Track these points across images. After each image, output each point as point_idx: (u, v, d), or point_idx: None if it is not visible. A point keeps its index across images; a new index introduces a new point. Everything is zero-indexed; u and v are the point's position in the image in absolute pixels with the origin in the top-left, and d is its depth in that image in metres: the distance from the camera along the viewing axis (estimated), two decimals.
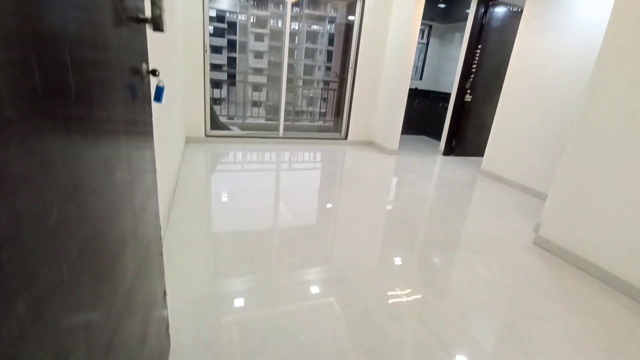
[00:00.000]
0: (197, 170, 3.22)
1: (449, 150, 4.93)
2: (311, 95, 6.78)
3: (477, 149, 4.80)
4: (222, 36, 32.84)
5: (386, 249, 2.15)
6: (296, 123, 5.84)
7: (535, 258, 2.19)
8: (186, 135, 4.07)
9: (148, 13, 0.82)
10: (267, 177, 3.36)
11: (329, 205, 2.77)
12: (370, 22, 4.47)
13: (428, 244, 2.27)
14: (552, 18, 3.26)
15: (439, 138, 5.19)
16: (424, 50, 6.52)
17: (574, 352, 1.40)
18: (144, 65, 0.85)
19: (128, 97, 0.73)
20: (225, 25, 32.58)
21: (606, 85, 1.98)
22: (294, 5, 4.29)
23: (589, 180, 2.08)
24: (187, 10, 3.65)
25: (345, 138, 4.95)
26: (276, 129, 4.63)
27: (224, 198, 2.68)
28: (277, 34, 31.63)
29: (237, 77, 9.03)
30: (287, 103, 4.62)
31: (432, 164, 4.46)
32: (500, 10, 4.35)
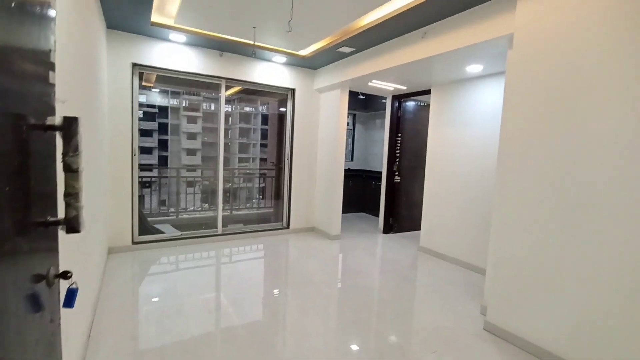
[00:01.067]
0: (121, 292, 2.79)
1: (387, 229, 5.14)
2: (249, 185, 6.76)
3: (413, 224, 5.09)
4: (154, 120, 32.52)
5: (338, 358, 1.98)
6: (235, 212, 5.66)
7: (488, 347, 2.20)
8: (109, 245, 3.62)
9: (61, 214, 0.72)
10: (206, 285, 3.03)
11: (271, 309, 2.55)
12: (302, 114, 4.81)
13: (381, 346, 2.15)
14: (454, 114, 3.86)
15: (376, 214, 5.43)
16: (351, 135, 7.15)
17: None
18: (52, 270, 0.71)
19: (28, 312, 0.58)
20: (156, 110, 32.54)
21: (509, 171, 2.29)
22: (227, 101, 4.46)
23: (518, 261, 2.25)
24: (114, 112, 3.53)
25: (287, 227, 4.89)
26: (214, 222, 4.40)
27: (154, 330, 2.31)
28: (209, 116, 32.37)
29: (169, 173, 8.73)
30: (225, 195, 4.50)
31: (374, 245, 4.55)
32: (411, 104, 5.05)
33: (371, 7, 2.70)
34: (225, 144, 4.45)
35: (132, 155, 3.69)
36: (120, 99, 3.55)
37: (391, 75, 3.77)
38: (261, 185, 6.52)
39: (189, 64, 3.88)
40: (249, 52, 3.86)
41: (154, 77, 4.74)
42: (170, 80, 4.60)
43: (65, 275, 0.73)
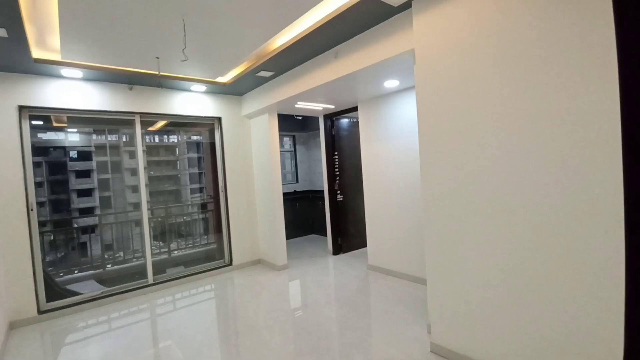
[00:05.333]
0: None
1: (337, 249, 4.98)
2: (187, 219, 6.29)
3: (362, 241, 4.99)
4: (90, 159, 30.10)
5: None
6: (173, 256, 5.17)
7: None
8: (9, 320, 3.03)
9: None
10: (138, 341, 2.59)
11: None
12: (232, 143, 4.57)
13: None
14: (381, 128, 3.87)
15: (325, 234, 5.27)
16: (293, 157, 7.02)
17: None
18: None
19: None
20: (92, 148, 30.20)
21: (428, 179, 2.25)
22: (147, 133, 4.08)
23: (450, 277, 2.18)
24: (1, 165, 3.03)
25: (230, 263, 4.53)
26: (144, 270, 3.92)
27: None
28: (156, 149, 30.78)
29: (99, 220, 7.88)
30: (158, 229, 4.06)
31: (324, 270, 4.35)
32: (344, 122, 5.05)
33: (278, 28, 2.59)
34: (174, 176, 4.05)
35: (29, 210, 3.18)
36: (4, 149, 3.06)
37: (315, 96, 3.70)
38: (203, 217, 6.10)
39: (91, 102, 3.49)
40: (156, 83, 3.58)
41: (64, 118, 4.25)
42: (80, 119, 4.16)
43: None
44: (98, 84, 3.53)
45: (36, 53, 2.80)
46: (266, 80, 3.88)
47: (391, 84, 3.31)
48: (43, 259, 3.41)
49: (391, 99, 3.74)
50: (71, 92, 3.38)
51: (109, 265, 4.88)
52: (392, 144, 3.76)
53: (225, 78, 3.86)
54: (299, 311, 3.19)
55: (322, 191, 5.51)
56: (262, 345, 2.57)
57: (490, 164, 1.90)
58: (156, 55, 2.93)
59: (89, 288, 3.93)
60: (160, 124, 5.04)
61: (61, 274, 4.72)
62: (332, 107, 4.41)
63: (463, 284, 2.10)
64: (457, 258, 2.12)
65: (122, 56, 2.94)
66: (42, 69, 3.08)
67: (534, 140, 1.71)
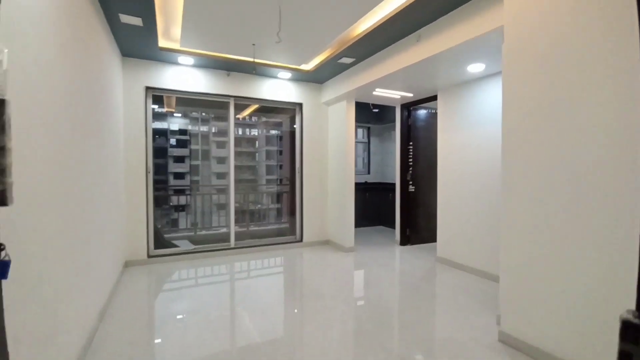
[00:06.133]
0: (132, 302, 2.86)
1: (404, 240, 4.95)
2: (263, 203, 6.84)
3: (431, 235, 4.88)
4: (185, 147, 34.23)
5: None
6: (251, 229, 5.72)
7: (502, 358, 2.01)
8: (125, 259, 3.76)
9: None
10: (218, 295, 3.04)
11: (282, 322, 2.49)
12: (310, 128, 4.87)
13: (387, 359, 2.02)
14: (462, 117, 3.74)
15: (393, 226, 5.27)
16: (367, 148, 7.11)
17: None
18: None
19: None
20: (187, 137, 34.29)
21: (511, 169, 2.15)
22: (243, 118, 4.61)
23: (528, 266, 2.08)
24: (129, 133, 3.76)
25: (301, 240, 4.86)
26: (228, 237, 4.46)
27: (164, 334, 2.33)
28: (238, 141, 33.56)
29: (192, 191, 9.08)
30: (239, 210, 4.57)
31: (390, 257, 4.39)
32: (422, 113, 4.97)
33: (361, 12, 2.74)
34: (252, 167, 4.59)
35: (147, 172, 3.89)
36: (134, 121, 3.79)
37: (394, 82, 3.75)
38: (277, 207, 6.61)
39: (198, 85, 4.10)
40: (249, 69, 4.02)
41: (173, 102, 5.04)
42: (186, 102, 4.86)
43: None
44: (203, 70, 4.12)
45: (161, 42, 3.41)
46: (347, 67, 4.05)
47: (475, 68, 3.19)
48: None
49: (473, 86, 3.59)
50: (183, 76, 4.02)
51: (199, 232, 5.63)
52: (472, 133, 3.61)
53: (309, 65, 4.14)
54: (363, 288, 3.31)
55: (393, 184, 5.51)
56: (326, 310, 2.77)
57: (587, 154, 1.74)
58: (252, 42, 3.32)
59: (184, 245, 4.62)
60: (248, 110, 5.61)
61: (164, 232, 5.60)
62: (410, 95, 4.39)
63: (540, 274, 1.99)
64: (536, 246, 2.01)
65: (224, 43, 3.40)
66: (164, 56, 3.72)
67: None
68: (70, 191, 1.78)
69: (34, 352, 1.26)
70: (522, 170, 2.08)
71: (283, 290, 3.31)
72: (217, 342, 2.23)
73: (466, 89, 3.68)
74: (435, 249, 4.22)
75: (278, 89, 4.59)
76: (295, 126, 4.99)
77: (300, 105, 4.80)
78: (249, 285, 3.38)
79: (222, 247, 4.40)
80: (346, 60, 3.78)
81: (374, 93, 4.24)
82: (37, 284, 1.31)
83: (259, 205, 6.87)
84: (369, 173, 7.07)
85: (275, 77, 4.53)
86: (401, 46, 3.22)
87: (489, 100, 3.43)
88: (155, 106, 5.59)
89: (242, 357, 2.07)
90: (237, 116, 5.17)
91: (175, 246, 4.26)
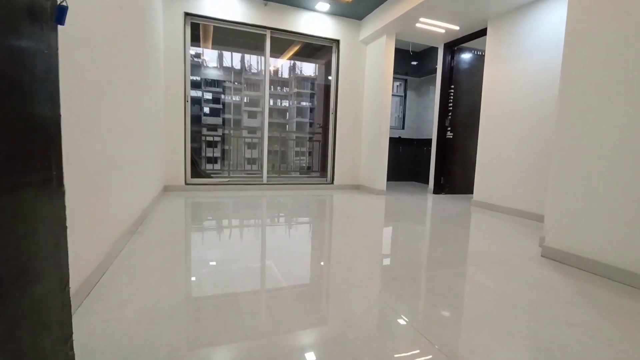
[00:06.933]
0: (171, 215, 2.99)
1: (438, 189, 4.80)
2: (297, 149, 6.84)
3: (467, 186, 4.70)
4: (218, 115, 34.92)
5: (387, 276, 1.86)
6: (282, 176, 5.76)
7: (547, 268, 1.91)
8: (165, 184, 3.92)
9: None
10: (247, 229, 3.12)
11: (321, 246, 2.51)
12: (347, 67, 4.72)
13: (432, 265, 1.98)
14: (513, 46, 3.45)
15: (427, 182, 5.12)
16: (402, 102, 6.84)
17: (616, 356, 1.08)
18: None
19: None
20: (220, 106, 34.89)
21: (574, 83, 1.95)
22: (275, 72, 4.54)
23: (580, 178, 1.91)
24: (168, 61, 3.81)
25: (332, 182, 4.84)
26: (261, 174, 4.53)
27: (193, 249, 2.42)
28: (270, 111, 33.63)
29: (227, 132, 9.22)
30: (271, 152, 4.60)
31: (423, 200, 4.28)
32: (466, 56, 4.65)
33: None
34: (283, 124, 4.57)
35: (185, 101, 3.95)
36: (173, 49, 3.82)
37: (440, 4, 3.48)
38: (308, 151, 6.58)
39: (235, 14, 4.04)
40: (292, 0, 3.89)
41: (210, 36, 4.99)
42: (221, 40, 4.83)
43: None
44: None
45: None
46: None
47: None
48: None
49: (530, 10, 3.27)
50: (222, 3, 3.96)
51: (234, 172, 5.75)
52: (523, 63, 3.33)
53: None
54: (395, 215, 3.26)
55: (428, 140, 5.30)
56: (353, 222, 2.75)
57: None
58: None
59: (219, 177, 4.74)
60: (285, 57, 5.50)
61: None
62: (457, 29, 4.09)
63: (584, 186, 1.82)
64: (583, 161, 1.84)
65: None
66: None
67: None
68: (129, 99, 1.82)
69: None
70: (582, 97, 1.88)
71: (315, 209, 3.33)
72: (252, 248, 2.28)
73: (521, 13, 3.36)
74: (471, 200, 4.04)
75: (315, 23, 4.44)
76: (330, 77, 4.84)
77: (337, 42, 4.64)
78: (283, 201, 3.42)
79: (255, 182, 4.48)
80: None
81: (417, 25, 3.99)
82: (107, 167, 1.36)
83: (295, 145, 6.82)
84: (403, 128, 6.84)
85: (313, 10, 4.37)
86: None
87: (543, 26, 3.11)
88: (192, 51, 5.62)
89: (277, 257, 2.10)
90: (271, 68, 5.09)
91: (210, 177, 4.38)
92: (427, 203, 4.09)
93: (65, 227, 0.97)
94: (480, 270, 1.81)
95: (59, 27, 0.87)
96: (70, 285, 1.03)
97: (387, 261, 1.96)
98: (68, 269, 0.98)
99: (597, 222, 1.84)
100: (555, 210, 2.09)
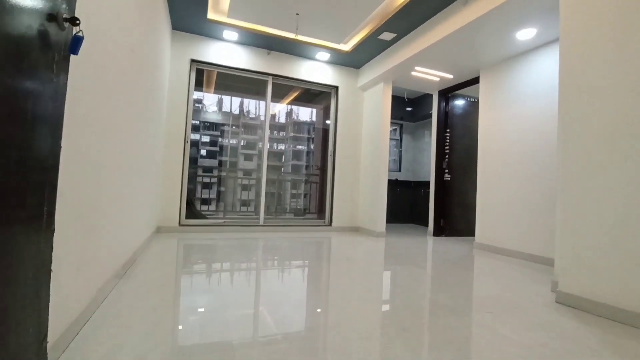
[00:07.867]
0: (159, 261, 2.85)
1: (438, 231, 4.72)
2: (293, 191, 6.81)
3: (467, 228, 4.63)
4: (214, 157, 35.31)
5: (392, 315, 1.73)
6: (279, 217, 5.66)
7: (565, 315, 1.79)
8: (158, 225, 3.80)
9: None
10: (243, 272, 2.97)
11: (321, 289, 2.37)
12: (345, 112, 4.85)
13: (444, 312, 1.85)
14: (504, 94, 3.59)
15: (427, 224, 5.05)
16: (398, 145, 6.98)
17: None
18: (62, 11, 0.74)
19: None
20: (217, 149, 35.42)
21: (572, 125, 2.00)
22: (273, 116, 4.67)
23: (590, 221, 1.88)
24: (171, 103, 3.88)
25: (330, 224, 4.74)
26: (257, 215, 4.43)
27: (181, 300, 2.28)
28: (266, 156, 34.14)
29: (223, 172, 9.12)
30: (267, 194, 4.56)
31: (424, 243, 4.17)
32: (460, 102, 4.85)
33: None
34: (279, 167, 4.61)
35: (185, 142, 3.97)
36: (178, 92, 3.92)
37: (435, 57, 3.68)
38: (305, 193, 6.56)
39: (240, 61, 4.21)
40: (294, 50, 4.09)
41: (213, 81, 5.16)
42: (223, 85, 5.00)
43: (74, 21, 0.75)
44: (246, 47, 4.24)
45: (210, 14, 3.56)
46: (386, 45, 4.04)
47: (526, 34, 3.06)
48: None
49: (522, 59, 3.45)
50: (226, 51, 4.15)
51: (231, 213, 5.64)
52: (517, 109, 3.45)
53: (348, 46, 4.17)
54: (397, 259, 3.14)
55: (425, 181, 5.33)
56: (356, 266, 2.62)
57: None
58: (296, 12, 3.39)
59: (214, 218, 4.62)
60: (284, 102, 5.69)
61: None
62: (450, 77, 4.29)
63: (595, 227, 1.79)
64: (591, 201, 1.82)
65: (270, 14, 3.49)
66: (210, 31, 3.88)
67: None
68: (133, 135, 1.82)
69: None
70: (581, 142, 1.93)
71: (314, 253, 3.19)
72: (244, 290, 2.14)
73: (513, 63, 3.55)
74: (472, 242, 3.96)
75: (316, 70, 4.64)
76: (328, 121, 4.98)
77: (336, 88, 4.82)
78: (281, 244, 3.29)
79: (251, 224, 4.37)
80: (387, 35, 3.77)
81: (413, 73, 4.19)
82: (96, 195, 1.31)
83: (292, 189, 6.78)
84: (399, 170, 6.91)
85: (313, 59, 4.59)
86: (446, 14, 3.17)
87: (536, 74, 3.27)
88: (195, 96, 5.80)
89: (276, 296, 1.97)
90: (271, 112, 5.24)
91: (206, 218, 4.27)
92: (428, 246, 3.98)
93: (50, 271, 0.89)
94: (496, 319, 1.69)
95: (72, 60, 0.86)
96: (49, 336, 0.92)
97: (394, 309, 1.83)
98: (48, 319, 0.88)
99: (611, 264, 1.77)
100: (565, 254, 2.01)
